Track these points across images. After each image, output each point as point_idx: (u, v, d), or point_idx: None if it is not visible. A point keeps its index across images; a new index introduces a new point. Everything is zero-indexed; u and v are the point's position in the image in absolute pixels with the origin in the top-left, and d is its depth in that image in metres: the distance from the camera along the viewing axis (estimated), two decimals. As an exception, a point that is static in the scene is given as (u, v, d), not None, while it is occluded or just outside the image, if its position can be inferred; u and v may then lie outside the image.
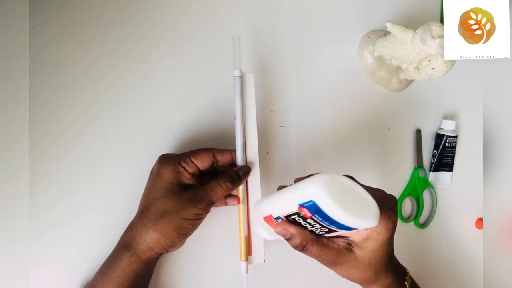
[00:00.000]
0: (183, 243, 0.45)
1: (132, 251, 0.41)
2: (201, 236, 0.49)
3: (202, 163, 0.44)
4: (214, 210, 0.47)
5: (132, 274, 0.41)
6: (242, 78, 0.45)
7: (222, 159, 0.45)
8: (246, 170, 0.46)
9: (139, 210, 0.44)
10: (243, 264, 0.47)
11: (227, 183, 0.43)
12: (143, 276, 0.43)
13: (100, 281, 0.42)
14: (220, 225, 0.51)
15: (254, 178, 0.47)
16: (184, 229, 0.42)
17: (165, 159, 0.44)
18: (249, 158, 0.47)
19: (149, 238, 0.41)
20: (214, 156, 0.45)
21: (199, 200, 0.42)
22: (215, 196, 0.43)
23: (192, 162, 0.43)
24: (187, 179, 0.43)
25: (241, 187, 0.46)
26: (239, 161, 0.46)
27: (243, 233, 0.47)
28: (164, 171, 0.43)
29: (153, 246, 0.41)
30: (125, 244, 0.42)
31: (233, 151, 0.46)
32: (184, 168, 0.43)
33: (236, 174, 0.44)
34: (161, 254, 0.43)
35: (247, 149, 0.47)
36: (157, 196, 0.42)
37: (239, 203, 0.47)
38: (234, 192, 0.46)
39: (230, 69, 0.45)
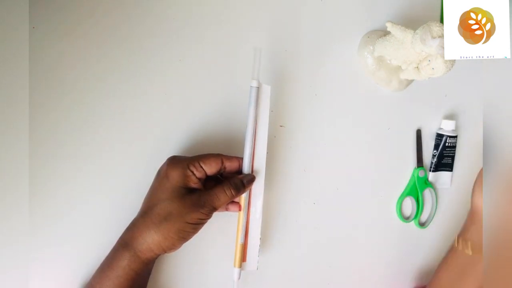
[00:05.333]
0: (181, 245, 0.45)
1: (132, 251, 0.41)
2: (200, 236, 0.49)
3: (210, 168, 0.44)
4: (215, 213, 0.47)
5: (132, 273, 0.42)
6: (258, 88, 0.46)
7: (230, 165, 0.46)
8: (250, 178, 0.46)
9: (142, 209, 0.44)
10: (236, 270, 0.47)
11: (231, 190, 0.44)
12: (142, 276, 0.44)
13: (99, 281, 0.42)
14: (219, 226, 0.51)
15: (258, 187, 0.47)
16: (186, 233, 0.42)
17: (174, 162, 0.44)
18: (255, 167, 0.47)
19: (150, 239, 0.41)
20: (222, 162, 0.45)
21: (203, 205, 0.42)
22: (219, 202, 0.43)
23: (201, 166, 0.44)
24: (194, 183, 0.43)
25: (243, 195, 0.47)
26: (245, 169, 0.46)
27: (240, 240, 0.47)
28: (172, 174, 0.43)
29: (153, 247, 0.41)
30: (125, 244, 0.42)
31: (240, 158, 0.46)
32: (192, 172, 0.43)
33: (241, 182, 0.45)
34: (159, 254, 0.43)
35: (255, 158, 0.47)
36: (162, 198, 0.42)
37: (240, 210, 0.47)
38: (236, 199, 0.47)
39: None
